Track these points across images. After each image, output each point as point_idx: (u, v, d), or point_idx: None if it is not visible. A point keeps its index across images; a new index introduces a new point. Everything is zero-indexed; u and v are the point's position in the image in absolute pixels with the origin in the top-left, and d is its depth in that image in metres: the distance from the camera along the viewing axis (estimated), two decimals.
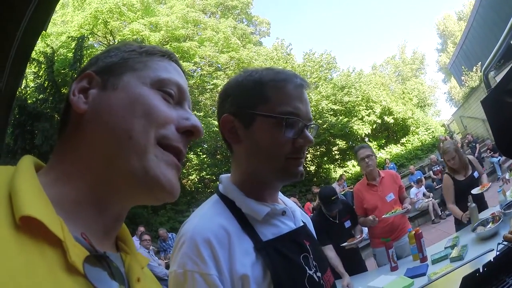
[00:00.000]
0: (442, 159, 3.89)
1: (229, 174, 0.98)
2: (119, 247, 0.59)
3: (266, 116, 0.87)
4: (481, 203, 3.39)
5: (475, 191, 3.42)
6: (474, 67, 15.94)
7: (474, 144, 12.66)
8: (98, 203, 0.52)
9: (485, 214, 3.05)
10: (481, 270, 1.32)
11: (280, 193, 1.03)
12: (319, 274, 0.91)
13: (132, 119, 0.52)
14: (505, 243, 1.45)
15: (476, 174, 3.53)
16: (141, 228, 8.19)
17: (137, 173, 0.51)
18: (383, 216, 3.50)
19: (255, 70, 0.95)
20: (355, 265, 3.59)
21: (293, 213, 0.98)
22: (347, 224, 3.67)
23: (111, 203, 0.54)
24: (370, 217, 3.58)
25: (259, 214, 0.88)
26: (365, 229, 4.07)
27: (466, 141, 13.33)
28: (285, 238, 0.90)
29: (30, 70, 10.85)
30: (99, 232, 0.52)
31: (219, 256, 0.79)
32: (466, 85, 17.20)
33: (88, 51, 12.24)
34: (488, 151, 11.66)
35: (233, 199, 0.91)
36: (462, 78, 17.97)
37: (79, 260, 0.44)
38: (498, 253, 1.41)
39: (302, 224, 1.00)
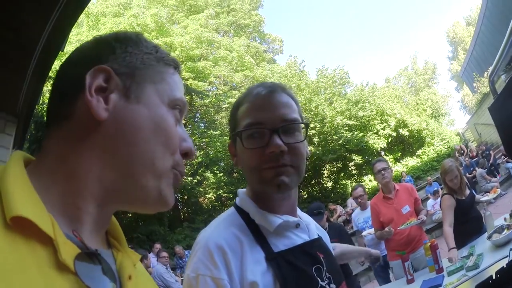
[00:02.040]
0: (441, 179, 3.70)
1: (246, 189, 1.00)
2: (110, 243, 0.59)
3: (235, 135, 0.93)
4: (478, 224, 3.27)
5: (484, 198, 3.42)
6: (485, 73, 15.71)
7: (488, 152, 12.43)
8: (97, 208, 0.52)
9: (499, 222, 3.02)
10: (494, 277, 1.32)
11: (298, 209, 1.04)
12: (333, 285, 0.91)
13: (156, 145, 0.53)
14: None
15: (474, 192, 3.47)
16: (158, 245, 8.20)
17: (152, 192, 0.53)
18: (398, 228, 3.52)
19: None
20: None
21: (308, 226, 0.98)
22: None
23: (110, 209, 0.55)
24: (386, 229, 3.60)
25: (271, 225, 0.89)
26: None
27: (480, 151, 13.14)
28: (297, 249, 0.91)
29: (47, 88, 11.06)
30: (90, 230, 0.52)
31: (231, 263, 0.81)
32: (479, 91, 16.97)
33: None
34: (503, 157, 11.40)
35: (247, 210, 0.93)
36: (474, 84, 17.74)
37: (70, 258, 0.44)
38: (511, 259, 1.43)
39: (316, 237, 1.00)
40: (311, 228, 0.99)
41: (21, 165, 0.48)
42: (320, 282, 0.88)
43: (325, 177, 16.29)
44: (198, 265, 0.82)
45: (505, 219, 2.99)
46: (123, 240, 0.61)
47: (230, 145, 0.99)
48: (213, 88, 17.16)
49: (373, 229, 4.16)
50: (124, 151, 0.51)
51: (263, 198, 0.92)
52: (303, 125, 0.93)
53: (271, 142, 0.85)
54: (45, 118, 0.54)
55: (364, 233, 4.49)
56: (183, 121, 0.65)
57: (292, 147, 0.87)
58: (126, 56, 0.55)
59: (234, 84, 17.38)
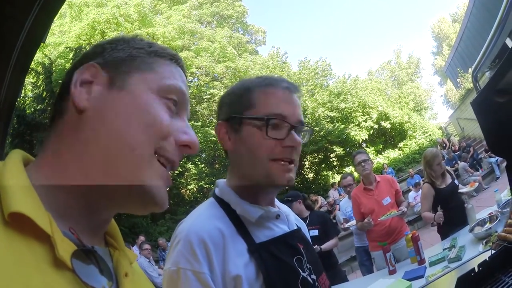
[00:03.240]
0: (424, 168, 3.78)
1: (226, 179, 0.99)
2: (107, 242, 0.59)
3: (251, 118, 0.90)
4: (461, 213, 3.31)
5: (463, 190, 3.47)
6: (470, 69, 15.89)
7: (468, 149, 12.67)
8: (88, 207, 0.51)
9: (482, 215, 3.07)
10: (476, 270, 1.32)
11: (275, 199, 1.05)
12: (313, 276, 0.92)
13: (137, 129, 0.52)
14: (500, 242, 1.46)
15: (457, 182, 3.54)
16: (141, 238, 8.21)
17: (135, 185, 0.51)
18: (379, 219, 3.57)
19: (248, 79, 0.99)
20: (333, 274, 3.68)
21: (287, 217, 0.99)
22: (313, 232, 3.76)
23: (102, 209, 0.53)
24: (366, 220, 3.66)
25: (253, 215, 0.90)
26: None
27: (463, 146, 13.36)
28: (279, 240, 0.91)
29: (29, 80, 10.88)
30: (87, 229, 0.52)
31: (213, 257, 0.81)
32: (462, 87, 17.24)
33: (78, 57, 12.27)
34: (485, 151, 11.60)
35: (228, 201, 0.93)
36: (458, 80, 18.01)
37: (67, 255, 0.44)
38: (493, 252, 1.44)
39: (296, 227, 1.01)
40: (290, 219, 1.01)
41: (20, 163, 0.48)
42: (302, 273, 0.89)
43: (307, 168, 16.36)
44: (179, 258, 0.81)
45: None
46: (120, 238, 0.60)
47: (223, 126, 0.95)
48: (195, 79, 17.04)
49: (355, 221, 4.23)
50: (104, 140, 0.51)
51: (253, 189, 0.93)
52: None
53: (291, 137, 0.88)
54: (49, 120, 0.56)
55: (347, 225, 4.52)
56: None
57: (299, 146, 0.91)
58: (114, 53, 0.56)
59: (216, 75, 17.29)
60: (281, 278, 0.85)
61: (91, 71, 0.53)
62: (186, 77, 0.64)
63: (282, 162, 0.89)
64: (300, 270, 0.89)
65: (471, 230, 2.82)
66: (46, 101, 10.94)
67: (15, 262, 0.39)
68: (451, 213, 3.35)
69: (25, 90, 10.46)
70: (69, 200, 0.49)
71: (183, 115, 0.60)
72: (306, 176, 16.23)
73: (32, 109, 10.94)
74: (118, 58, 0.55)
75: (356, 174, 14.91)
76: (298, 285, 0.87)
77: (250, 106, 0.91)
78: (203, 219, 0.89)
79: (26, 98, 11.04)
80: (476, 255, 2.13)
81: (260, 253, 0.86)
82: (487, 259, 1.37)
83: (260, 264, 0.84)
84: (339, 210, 8.12)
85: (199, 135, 14.76)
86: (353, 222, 4.32)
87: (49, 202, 0.46)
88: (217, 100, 15.75)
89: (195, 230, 0.84)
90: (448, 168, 3.78)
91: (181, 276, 0.80)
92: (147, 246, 6.99)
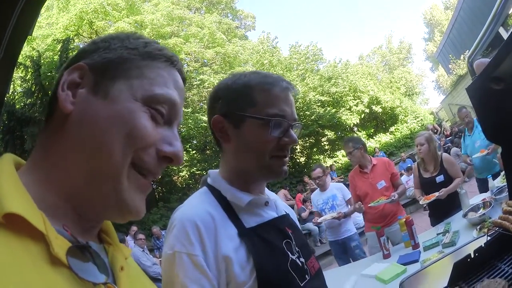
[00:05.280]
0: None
1: (218, 170, 1.05)
2: (102, 238, 0.59)
3: (254, 118, 0.94)
4: (454, 201, 3.37)
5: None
6: (462, 55, 15.95)
7: (460, 134, 12.68)
8: (76, 211, 0.52)
9: (475, 200, 3.10)
10: (472, 256, 1.33)
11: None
12: (302, 259, 0.97)
13: (116, 138, 0.50)
14: (496, 228, 1.45)
15: (440, 178, 3.51)
16: (134, 228, 8.12)
17: (110, 195, 0.51)
18: (368, 205, 3.64)
19: (243, 73, 1.02)
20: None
21: (275, 203, 1.05)
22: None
23: (88, 214, 0.54)
24: (356, 205, 3.79)
25: (243, 200, 0.95)
26: None
27: (454, 131, 13.35)
28: (268, 225, 0.97)
29: (17, 75, 10.77)
30: (80, 227, 0.52)
31: (205, 239, 0.86)
32: (454, 73, 17.27)
33: (74, 53, 12.11)
34: None
35: (219, 188, 0.98)
36: (450, 66, 18.03)
37: (62, 252, 0.44)
38: (489, 238, 1.44)
39: (284, 213, 1.06)
40: (278, 205, 1.06)
41: (11, 165, 0.49)
42: (291, 256, 0.94)
43: (298, 152, 16.38)
44: (174, 242, 0.87)
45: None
46: (114, 235, 0.61)
47: (219, 120, 0.98)
48: (184, 65, 16.86)
49: (328, 215, 4.29)
50: (83, 147, 0.51)
51: (246, 179, 0.99)
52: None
53: (289, 135, 0.95)
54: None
55: (319, 219, 4.49)
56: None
57: (296, 142, 0.99)
58: (105, 53, 0.54)
59: (205, 60, 17.16)
60: (271, 261, 0.90)
61: (79, 72, 0.53)
62: (185, 80, 0.62)
63: (281, 158, 0.97)
64: (289, 253, 0.94)
65: (464, 216, 2.84)
66: (36, 94, 10.82)
67: (12, 263, 0.39)
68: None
69: (14, 85, 10.36)
70: (58, 202, 0.50)
71: (173, 124, 0.58)
72: (298, 160, 16.27)
73: (22, 104, 10.83)
74: (107, 59, 0.54)
75: (346, 159, 15.10)
76: (287, 267, 0.91)
77: (252, 103, 0.95)
78: (195, 205, 0.95)
79: (16, 93, 10.94)
80: (471, 240, 2.10)
81: (250, 238, 0.90)
82: (483, 246, 1.37)
83: (250, 247, 0.88)
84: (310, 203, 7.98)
85: (190, 121, 14.69)
86: (326, 216, 4.32)
87: (41, 203, 0.47)
88: (207, 86, 15.98)
89: (188, 215, 0.90)
90: (448, 159, 3.73)
91: (176, 259, 0.85)
92: (141, 236, 6.99)
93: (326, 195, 4.51)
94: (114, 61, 0.54)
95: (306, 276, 0.95)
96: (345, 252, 4.40)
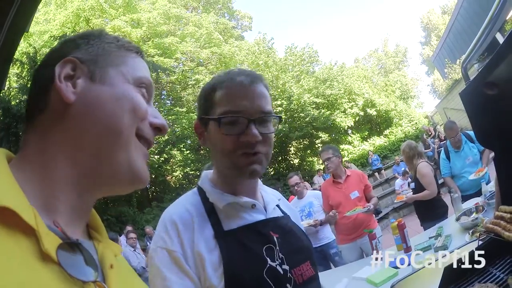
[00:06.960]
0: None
1: (211, 171, 1.05)
2: (91, 235, 0.61)
3: (212, 119, 0.93)
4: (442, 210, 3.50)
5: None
6: (458, 60, 16.03)
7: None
8: (77, 196, 0.54)
9: (468, 205, 3.11)
10: (463, 260, 1.32)
11: (264, 186, 1.08)
12: (286, 267, 0.91)
13: (122, 114, 0.56)
14: (489, 234, 1.44)
15: (413, 185, 3.76)
16: (129, 227, 8.08)
17: (123, 165, 0.56)
18: (345, 214, 3.63)
19: (217, 75, 1.00)
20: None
21: (266, 206, 1.01)
22: None
23: (91, 195, 0.57)
24: (331, 213, 3.75)
25: (221, 202, 0.94)
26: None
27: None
28: (249, 228, 0.93)
29: (13, 71, 10.69)
30: (70, 221, 0.53)
31: (183, 235, 0.88)
32: (450, 77, 17.36)
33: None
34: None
35: (205, 190, 0.98)
36: (446, 70, 18.10)
37: (52, 248, 0.45)
38: (480, 243, 1.43)
39: (275, 216, 1.01)
40: (269, 208, 1.01)
41: (3, 159, 0.50)
42: (270, 262, 0.89)
43: (292, 154, 16.42)
44: (157, 238, 0.90)
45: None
46: (104, 231, 0.63)
47: (198, 125, 1.00)
48: (180, 64, 16.86)
49: (305, 221, 4.20)
50: (93, 129, 0.54)
51: (226, 180, 0.97)
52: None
53: (248, 131, 0.89)
54: (25, 116, 0.58)
55: None
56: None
57: (265, 137, 0.92)
58: (89, 47, 0.59)
59: (201, 60, 17.12)
60: (243, 266, 0.86)
61: (71, 65, 0.56)
62: (149, 67, 0.70)
63: (248, 156, 0.91)
64: (269, 259, 0.89)
65: (457, 220, 2.85)
66: None
67: (2, 257, 0.39)
68: (433, 201, 3.53)
69: (9, 81, 10.25)
70: (55, 192, 0.51)
71: (151, 101, 0.66)
72: (292, 162, 16.31)
73: (18, 100, 10.74)
74: (95, 53, 0.59)
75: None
76: (263, 274, 0.87)
77: (212, 105, 0.95)
78: (177, 204, 0.97)
79: (11, 89, 10.84)
80: (463, 244, 2.11)
81: (226, 241, 0.88)
82: (474, 250, 1.36)
83: (224, 250, 0.87)
84: None
85: (184, 121, 14.65)
86: (305, 222, 4.23)
87: (33, 197, 0.47)
88: (202, 86, 15.61)
89: (169, 213, 0.93)
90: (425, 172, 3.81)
91: (158, 253, 0.87)
92: (132, 235, 6.95)
93: (302, 203, 4.47)
94: (100, 53, 0.59)
95: (288, 285, 0.90)
96: (324, 258, 4.33)
